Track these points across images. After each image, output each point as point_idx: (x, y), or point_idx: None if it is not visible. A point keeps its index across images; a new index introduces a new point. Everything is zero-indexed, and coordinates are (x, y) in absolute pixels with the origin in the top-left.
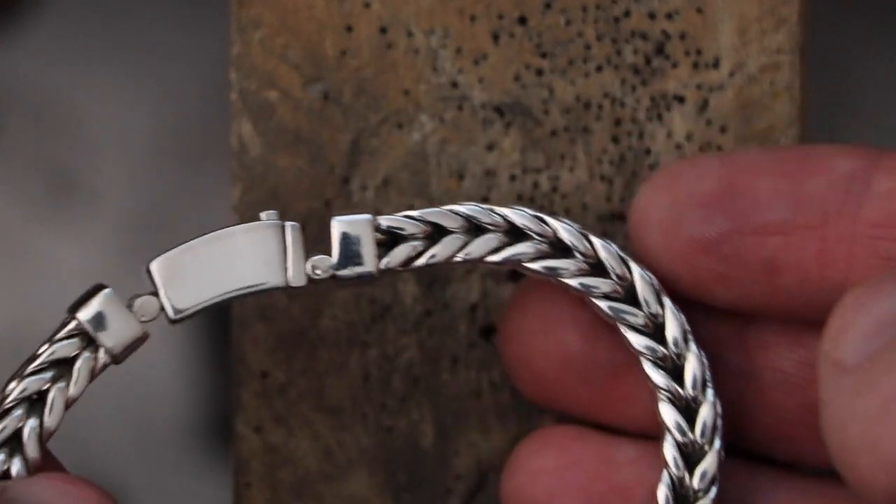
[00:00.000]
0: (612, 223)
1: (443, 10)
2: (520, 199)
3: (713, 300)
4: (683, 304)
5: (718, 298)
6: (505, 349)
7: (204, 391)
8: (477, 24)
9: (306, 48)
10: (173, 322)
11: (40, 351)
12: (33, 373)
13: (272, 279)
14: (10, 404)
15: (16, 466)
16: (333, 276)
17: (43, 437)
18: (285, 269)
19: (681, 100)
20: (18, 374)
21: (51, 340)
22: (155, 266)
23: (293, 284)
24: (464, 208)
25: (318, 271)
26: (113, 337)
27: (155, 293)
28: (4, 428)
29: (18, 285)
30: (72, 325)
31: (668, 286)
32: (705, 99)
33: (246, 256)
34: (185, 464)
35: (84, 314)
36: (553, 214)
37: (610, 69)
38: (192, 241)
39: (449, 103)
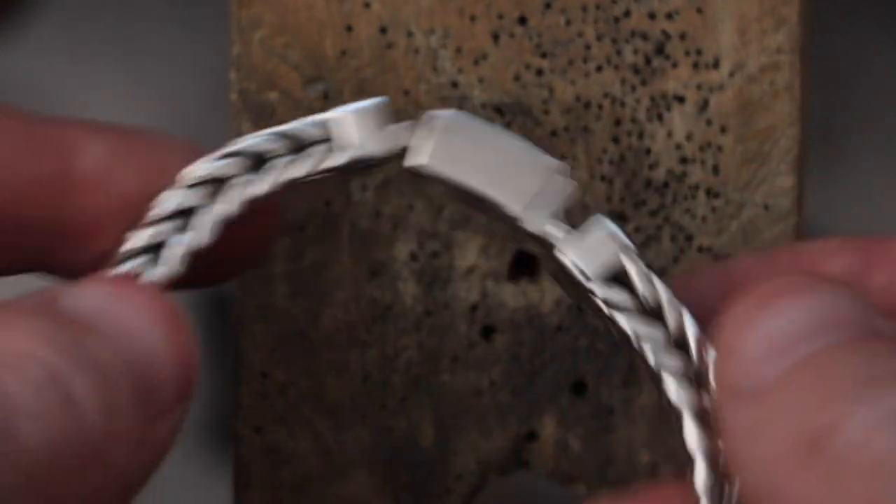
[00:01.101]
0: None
1: (443, 10)
2: None
3: None
4: None
5: None
6: None
7: (204, 391)
8: (477, 23)
9: (306, 48)
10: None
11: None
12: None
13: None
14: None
15: (152, 272)
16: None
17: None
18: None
19: (681, 100)
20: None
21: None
22: (440, 123)
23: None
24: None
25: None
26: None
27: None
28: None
29: (20, 283)
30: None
31: None
32: (705, 99)
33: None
34: (185, 464)
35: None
36: None
37: (610, 69)
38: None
39: (449, 103)
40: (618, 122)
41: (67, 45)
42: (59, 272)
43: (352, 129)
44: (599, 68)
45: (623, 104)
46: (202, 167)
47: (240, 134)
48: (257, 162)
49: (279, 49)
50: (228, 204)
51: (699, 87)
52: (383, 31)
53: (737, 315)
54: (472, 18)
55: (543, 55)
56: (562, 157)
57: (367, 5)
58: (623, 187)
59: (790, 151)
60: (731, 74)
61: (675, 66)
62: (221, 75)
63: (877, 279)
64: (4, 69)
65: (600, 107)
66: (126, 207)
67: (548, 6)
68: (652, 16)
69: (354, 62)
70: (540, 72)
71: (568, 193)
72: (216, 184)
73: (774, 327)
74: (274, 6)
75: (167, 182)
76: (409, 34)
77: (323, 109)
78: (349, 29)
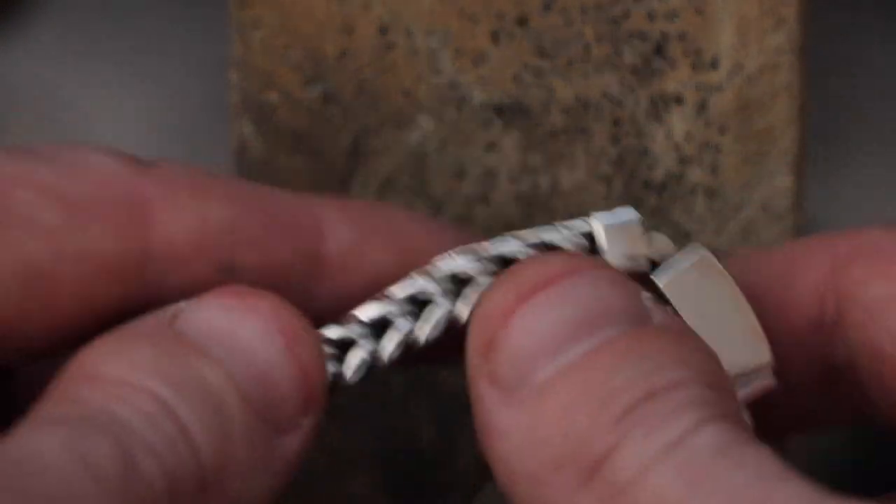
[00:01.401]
0: None
1: (443, 10)
2: (519, 200)
3: None
4: None
5: None
6: None
7: None
8: (477, 24)
9: (306, 49)
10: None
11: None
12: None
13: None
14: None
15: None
16: None
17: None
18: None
19: (680, 100)
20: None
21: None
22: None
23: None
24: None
25: None
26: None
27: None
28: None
29: None
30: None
31: None
32: (704, 99)
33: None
34: None
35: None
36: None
37: (609, 70)
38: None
39: (449, 103)
40: (617, 123)
41: (67, 45)
42: None
43: (604, 239)
44: (599, 69)
45: (622, 104)
46: (457, 264)
47: (240, 134)
48: (502, 266)
49: (279, 49)
50: (466, 305)
51: (698, 87)
52: (383, 31)
53: (501, 301)
54: (472, 19)
55: (543, 56)
56: (561, 158)
57: (367, 6)
58: (622, 187)
59: (789, 151)
60: (730, 75)
61: (674, 66)
62: (222, 75)
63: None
64: (6, 69)
65: (600, 107)
66: (371, 289)
67: (547, 7)
68: (651, 16)
69: (354, 63)
70: (539, 72)
71: (761, 389)
72: (460, 283)
73: (543, 321)
74: (274, 7)
75: (415, 262)
76: (409, 35)
77: (323, 110)
78: (349, 29)
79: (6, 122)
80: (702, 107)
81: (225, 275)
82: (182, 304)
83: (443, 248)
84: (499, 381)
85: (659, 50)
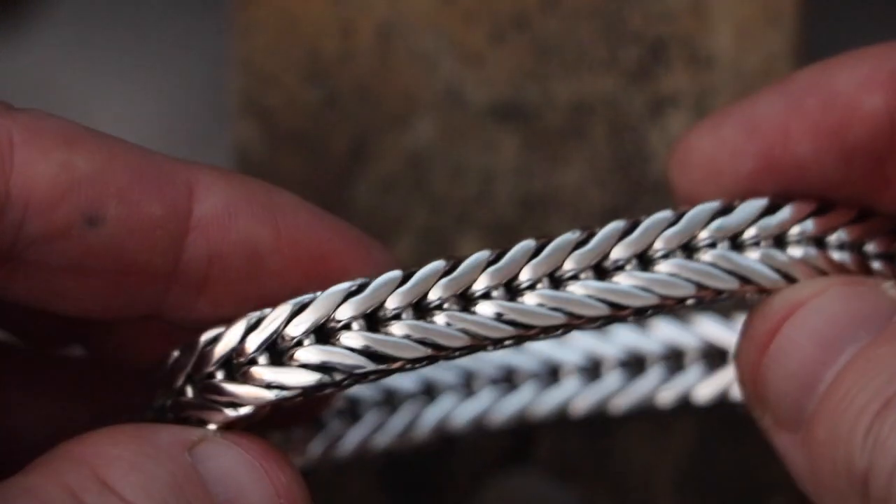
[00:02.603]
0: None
1: (442, 12)
2: (517, 200)
3: None
4: None
5: None
6: None
7: None
8: (476, 25)
9: (307, 50)
10: None
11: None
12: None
13: None
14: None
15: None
16: None
17: None
18: None
19: (678, 101)
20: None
21: None
22: None
23: None
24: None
25: None
26: None
27: None
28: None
29: None
30: None
31: None
32: (702, 100)
33: None
34: None
35: None
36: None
37: (607, 71)
38: None
39: (449, 104)
40: (615, 123)
41: (68, 45)
42: (172, 321)
43: None
44: (597, 70)
45: (621, 105)
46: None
47: (241, 134)
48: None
49: (280, 50)
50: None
51: (695, 88)
52: (383, 32)
53: (748, 354)
54: (472, 20)
55: (542, 57)
56: (560, 158)
57: (367, 7)
58: (620, 187)
59: None
60: (728, 76)
61: (671, 68)
62: (222, 76)
63: None
64: (8, 69)
65: (598, 108)
66: (241, 256)
67: (546, 9)
68: (650, 18)
69: (355, 63)
70: (538, 74)
71: None
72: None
73: (789, 362)
74: (274, 8)
75: (293, 240)
76: (409, 36)
77: (323, 110)
78: (349, 31)
79: None
80: (699, 108)
81: (92, 226)
82: (209, 433)
83: (329, 238)
84: (782, 426)
85: (656, 51)
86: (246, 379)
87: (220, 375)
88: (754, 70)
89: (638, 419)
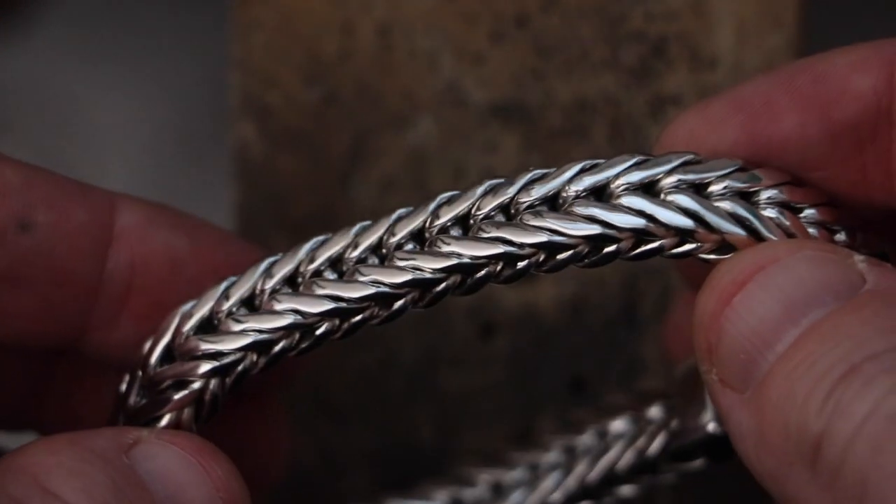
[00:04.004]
0: None
1: (442, 11)
2: None
3: None
4: None
5: None
6: None
7: None
8: (476, 25)
9: (307, 49)
10: None
11: None
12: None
13: None
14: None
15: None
16: None
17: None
18: None
19: (678, 100)
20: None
21: None
22: None
23: None
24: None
25: None
26: None
27: None
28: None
29: None
30: None
31: None
32: (703, 99)
33: None
34: None
35: None
36: None
37: (608, 70)
38: None
39: (449, 103)
40: (616, 123)
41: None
42: (92, 350)
43: None
44: (598, 69)
45: (621, 105)
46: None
47: (241, 134)
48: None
49: (280, 50)
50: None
51: (696, 88)
52: (383, 32)
53: (708, 306)
54: (472, 20)
55: (543, 56)
56: (561, 157)
57: (367, 7)
58: None
59: None
60: (729, 75)
61: (672, 67)
62: (222, 76)
63: None
64: (10, 69)
65: (599, 107)
66: (161, 263)
67: (547, 8)
68: (650, 17)
69: (355, 63)
70: (539, 72)
71: None
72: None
73: (751, 318)
74: (274, 7)
75: (210, 254)
76: (409, 35)
77: (323, 109)
78: (349, 30)
79: (7, 122)
80: None
81: (24, 230)
82: (143, 434)
83: (241, 250)
84: (728, 384)
85: (657, 51)
86: (184, 355)
87: (163, 366)
88: (755, 69)
89: None
